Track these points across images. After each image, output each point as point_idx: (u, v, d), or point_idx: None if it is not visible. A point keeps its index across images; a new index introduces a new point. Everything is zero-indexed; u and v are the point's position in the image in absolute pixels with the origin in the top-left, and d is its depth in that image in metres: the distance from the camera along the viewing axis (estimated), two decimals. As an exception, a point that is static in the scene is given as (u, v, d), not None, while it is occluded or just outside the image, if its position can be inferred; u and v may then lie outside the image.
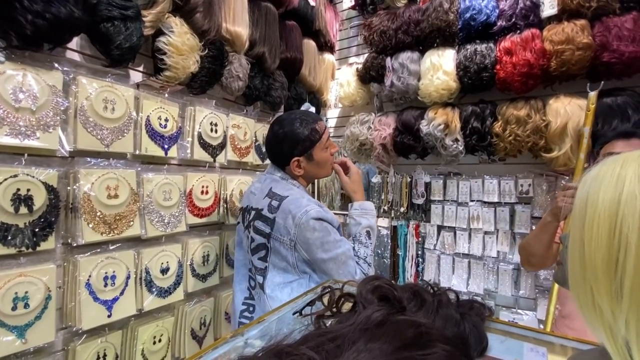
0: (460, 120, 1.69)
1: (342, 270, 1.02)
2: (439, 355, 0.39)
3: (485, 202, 1.74)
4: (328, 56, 2.21)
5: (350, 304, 0.57)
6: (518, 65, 1.50)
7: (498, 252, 1.70)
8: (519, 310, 1.66)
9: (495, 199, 1.71)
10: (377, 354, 0.35)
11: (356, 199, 1.20)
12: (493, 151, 1.65)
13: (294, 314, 0.60)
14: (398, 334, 0.40)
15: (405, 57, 1.80)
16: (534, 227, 1.59)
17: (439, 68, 1.69)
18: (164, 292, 1.29)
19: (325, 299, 0.61)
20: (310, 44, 2.03)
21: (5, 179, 0.91)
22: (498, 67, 1.56)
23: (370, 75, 1.96)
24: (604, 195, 0.36)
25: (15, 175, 0.93)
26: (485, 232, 1.73)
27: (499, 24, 1.59)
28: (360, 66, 2.03)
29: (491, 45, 1.60)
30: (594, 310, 0.37)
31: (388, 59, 1.87)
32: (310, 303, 0.61)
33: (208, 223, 1.52)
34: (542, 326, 1.47)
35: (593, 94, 1.20)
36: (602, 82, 1.27)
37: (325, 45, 2.17)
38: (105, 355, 1.12)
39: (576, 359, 0.43)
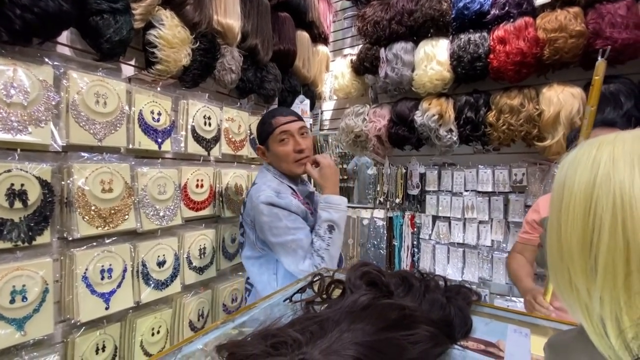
0: (454, 111, 1.69)
1: (287, 258, 1.06)
2: (421, 335, 0.40)
3: (479, 192, 1.75)
4: (322, 48, 2.20)
5: (340, 290, 0.58)
6: (511, 54, 1.50)
7: (492, 241, 1.72)
8: (513, 298, 1.69)
9: (490, 189, 1.72)
10: (359, 334, 0.36)
11: (324, 193, 1.17)
12: (487, 141, 1.66)
13: (284, 300, 0.61)
14: (382, 316, 0.41)
15: (399, 47, 1.80)
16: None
17: (433, 58, 1.69)
18: (161, 285, 1.30)
19: (317, 287, 0.62)
20: (303, 36, 2.02)
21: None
22: (491, 56, 1.56)
23: (364, 66, 1.95)
24: (579, 178, 0.37)
25: (9, 170, 0.93)
26: (480, 222, 1.75)
27: (492, 12, 1.58)
28: (354, 57, 2.03)
29: (485, 34, 1.60)
30: (571, 290, 0.38)
31: (382, 50, 1.87)
32: (301, 290, 0.62)
33: (204, 216, 1.52)
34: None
35: (600, 62, 0.89)
36: (609, 47, 1.02)
37: (319, 37, 2.15)
38: (104, 346, 1.14)
39: (556, 338, 0.44)
